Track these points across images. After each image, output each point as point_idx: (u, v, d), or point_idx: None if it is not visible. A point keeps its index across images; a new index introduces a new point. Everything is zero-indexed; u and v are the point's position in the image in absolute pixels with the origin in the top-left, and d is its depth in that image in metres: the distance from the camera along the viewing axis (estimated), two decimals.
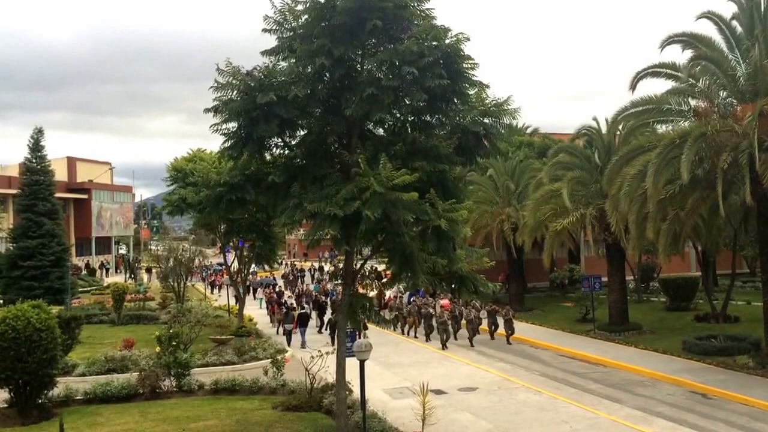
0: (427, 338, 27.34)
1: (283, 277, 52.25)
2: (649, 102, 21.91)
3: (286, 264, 65.82)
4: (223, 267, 37.33)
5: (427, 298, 31.60)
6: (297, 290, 39.71)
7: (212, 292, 48.35)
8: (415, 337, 28.22)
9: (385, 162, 11.22)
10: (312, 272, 57.65)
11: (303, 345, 25.66)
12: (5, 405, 15.78)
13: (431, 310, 28.22)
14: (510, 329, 26.12)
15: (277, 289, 39.34)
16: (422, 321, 28.14)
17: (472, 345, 25.87)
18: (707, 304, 27.79)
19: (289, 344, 26.19)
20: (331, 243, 13.47)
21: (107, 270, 62.95)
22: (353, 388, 15.34)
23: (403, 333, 28.92)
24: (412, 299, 31.47)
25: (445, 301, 30.55)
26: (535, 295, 37.89)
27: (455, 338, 26.65)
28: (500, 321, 26.75)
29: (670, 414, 16.10)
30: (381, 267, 16.09)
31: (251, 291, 44.66)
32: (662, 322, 27.70)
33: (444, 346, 25.28)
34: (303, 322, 27.35)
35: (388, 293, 33.59)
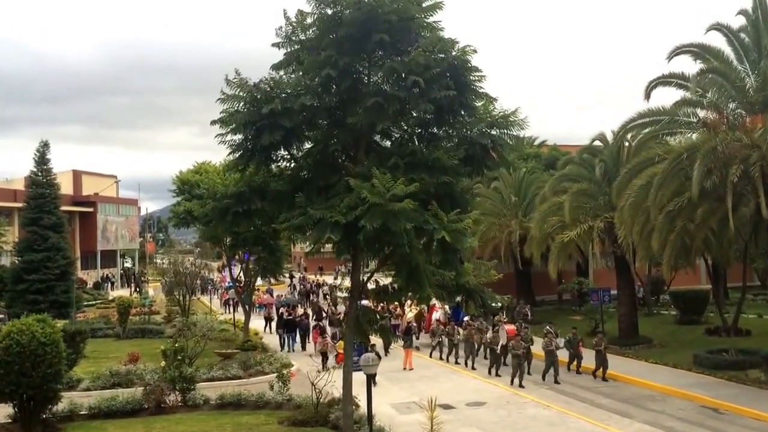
0: (490, 372, 22.98)
1: (299, 294, 47.56)
2: (657, 113, 21.86)
3: (297, 277, 62.61)
4: (236, 284, 36.29)
5: (481, 322, 26.51)
6: (329, 310, 33.96)
7: (226, 312, 43.33)
8: (473, 368, 23.89)
9: (377, 174, 11.15)
10: (310, 287, 51.59)
11: (290, 349, 28.15)
12: (9, 420, 15.65)
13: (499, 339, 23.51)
14: (603, 362, 21.81)
15: (300, 311, 32.27)
16: (477, 349, 24.79)
17: (551, 380, 21.38)
18: (718, 318, 27.45)
19: (282, 348, 28.15)
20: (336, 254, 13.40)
21: (112, 283, 62.88)
22: (360, 403, 15.19)
23: (446, 361, 25.42)
24: (464, 323, 27.10)
25: (510, 327, 24.53)
26: (544, 308, 37.60)
27: (529, 373, 22.04)
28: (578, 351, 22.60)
29: (681, 429, 15.88)
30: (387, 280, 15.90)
31: (276, 310, 41.54)
32: (673, 336, 27.40)
33: (520, 384, 20.94)
34: (290, 328, 28.74)
35: (436, 314, 29.79)
